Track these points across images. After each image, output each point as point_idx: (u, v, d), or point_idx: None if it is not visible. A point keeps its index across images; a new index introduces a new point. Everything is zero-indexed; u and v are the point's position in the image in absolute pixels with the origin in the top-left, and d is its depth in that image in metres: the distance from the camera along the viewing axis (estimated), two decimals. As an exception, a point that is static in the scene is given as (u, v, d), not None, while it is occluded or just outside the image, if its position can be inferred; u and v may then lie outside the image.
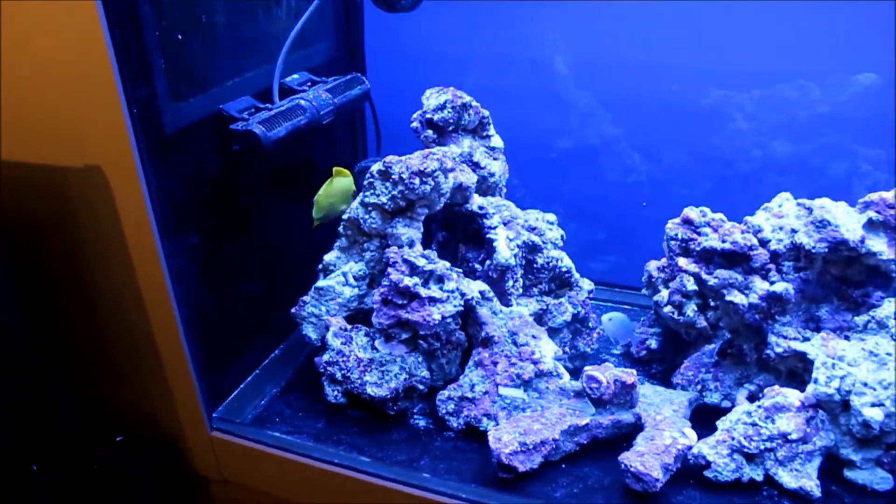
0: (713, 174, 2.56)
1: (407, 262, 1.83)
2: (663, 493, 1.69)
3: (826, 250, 1.72)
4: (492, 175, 2.07)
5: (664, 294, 2.06)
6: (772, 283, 1.80)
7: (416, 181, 1.81)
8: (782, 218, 1.84)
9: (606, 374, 1.82)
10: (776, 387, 1.75)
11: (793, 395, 1.72)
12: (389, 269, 1.83)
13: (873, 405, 1.63)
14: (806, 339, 1.80)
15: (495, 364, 1.87)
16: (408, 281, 1.80)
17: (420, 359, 1.90)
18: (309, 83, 2.03)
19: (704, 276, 1.85)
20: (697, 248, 1.86)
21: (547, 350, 1.89)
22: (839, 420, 1.69)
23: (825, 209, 1.75)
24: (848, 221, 1.74)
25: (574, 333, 2.09)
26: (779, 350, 1.80)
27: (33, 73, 1.64)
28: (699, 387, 1.96)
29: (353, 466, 1.77)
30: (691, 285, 1.99)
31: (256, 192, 2.02)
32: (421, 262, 1.83)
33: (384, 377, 1.88)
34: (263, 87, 1.91)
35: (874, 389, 1.63)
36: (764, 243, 1.83)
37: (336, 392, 1.93)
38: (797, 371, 1.81)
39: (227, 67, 1.82)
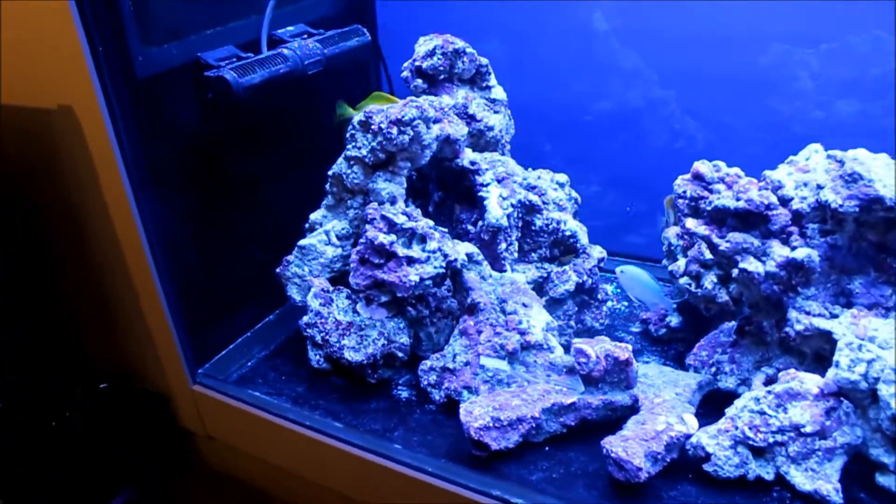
0: (768, 138, 2.26)
1: (385, 219, 1.69)
2: (653, 487, 1.47)
3: (857, 210, 1.44)
4: (490, 129, 1.88)
5: (681, 263, 1.81)
6: (793, 248, 1.54)
7: (394, 130, 1.65)
8: (808, 173, 1.56)
9: (597, 347, 1.61)
10: (792, 370, 1.49)
11: (810, 381, 1.45)
12: (367, 227, 1.69)
13: (905, 395, 1.36)
14: (834, 316, 1.52)
15: (479, 333, 1.69)
16: (383, 238, 1.65)
17: (402, 325, 1.75)
18: (305, 35, 1.90)
19: (715, 240, 1.61)
20: (709, 208, 1.62)
21: (538, 320, 1.69)
22: (868, 414, 1.41)
23: (858, 161, 1.46)
24: (886, 176, 1.45)
25: (580, 306, 1.87)
26: (799, 328, 1.53)
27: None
28: (713, 369, 1.70)
29: (324, 431, 1.67)
30: (710, 253, 1.75)
31: (246, 145, 1.92)
32: (400, 220, 1.68)
33: (362, 342, 1.74)
34: (251, 39, 1.80)
35: (907, 377, 1.36)
36: (785, 202, 1.56)
37: (318, 357, 1.81)
38: (824, 354, 1.52)
39: (206, 15, 1.72)
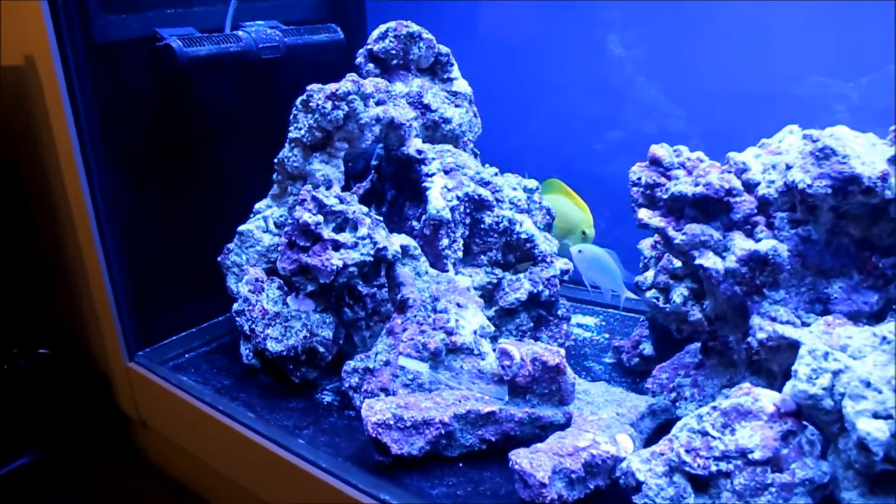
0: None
1: (315, 201, 1.52)
2: None
3: (829, 191, 1.14)
4: (447, 121, 1.69)
5: (649, 275, 1.54)
6: (757, 240, 1.25)
7: (328, 105, 1.50)
8: (780, 155, 1.29)
9: (524, 349, 1.36)
10: (747, 384, 1.18)
11: (766, 398, 1.13)
12: (297, 208, 1.54)
13: (875, 415, 1.02)
14: (806, 325, 1.21)
15: (405, 331, 1.48)
16: (309, 218, 1.49)
17: (328, 319, 1.56)
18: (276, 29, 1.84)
19: (671, 233, 1.33)
20: (665, 196, 1.36)
21: (470, 322, 1.45)
22: (838, 445, 1.08)
23: (834, 136, 1.18)
24: (866, 153, 1.16)
25: (536, 322, 1.61)
26: (762, 336, 1.21)
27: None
28: (673, 395, 1.40)
29: (235, 417, 1.54)
30: (668, 250, 1.47)
31: (205, 130, 1.85)
32: (331, 202, 1.51)
33: (286, 333, 1.56)
34: (217, 28, 1.74)
35: (879, 392, 1.02)
36: (751, 187, 1.28)
37: (248, 351, 1.64)
38: (794, 371, 1.21)
39: (169, -5, 1.70)
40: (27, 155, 1.88)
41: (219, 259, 1.71)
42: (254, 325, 1.58)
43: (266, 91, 1.85)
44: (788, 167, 1.23)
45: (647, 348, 1.61)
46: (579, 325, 1.87)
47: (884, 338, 1.07)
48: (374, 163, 1.76)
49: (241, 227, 1.67)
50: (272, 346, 1.55)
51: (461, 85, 1.79)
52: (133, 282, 1.78)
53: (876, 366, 1.05)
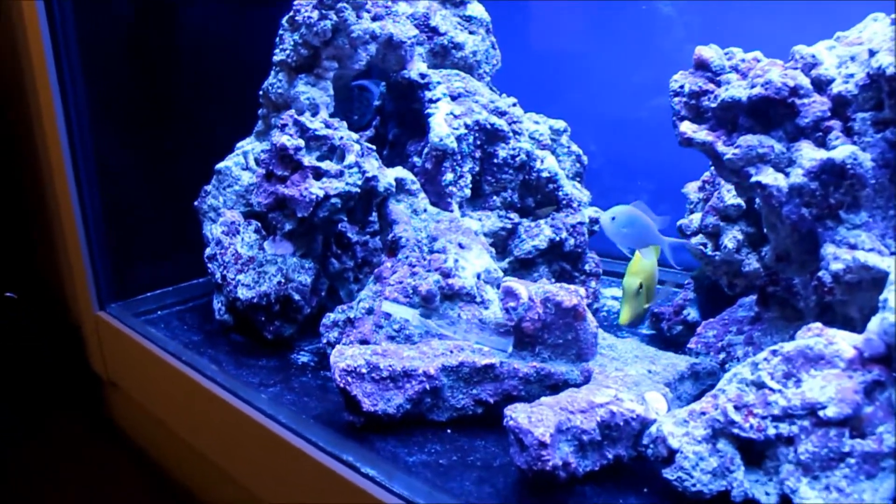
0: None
1: (298, 125, 1.31)
2: (577, 495, 0.93)
3: (931, 76, 0.89)
4: (458, 47, 1.47)
5: (695, 217, 1.28)
6: (831, 148, 0.99)
7: (315, 15, 1.31)
8: (860, 45, 1.03)
9: (533, 287, 1.11)
10: (817, 325, 0.91)
11: (843, 340, 0.87)
12: (275, 133, 1.34)
13: None
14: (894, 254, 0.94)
15: (394, 274, 1.25)
16: (288, 142, 1.29)
17: (308, 264, 1.33)
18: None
19: (720, 149, 1.08)
20: (714, 105, 1.10)
21: (472, 264, 1.21)
22: (947, 399, 0.81)
23: (936, 12, 0.94)
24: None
25: (558, 277, 1.36)
26: (837, 268, 0.94)
27: None
28: (722, 356, 1.13)
29: (195, 367, 1.37)
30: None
31: (191, 68, 1.70)
32: (315, 125, 1.30)
33: (259, 279, 1.35)
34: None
35: None
36: (822, 85, 1.02)
37: (220, 305, 1.45)
38: (882, 315, 0.94)
39: None
40: (13, 94, 1.76)
41: (195, 203, 1.52)
42: (225, 272, 1.38)
43: (259, 23, 1.67)
44: (872, 53, 0.97)
45: (692, 313, 1.34)
46: (614, 298, 1.61)
47: None
48: (376, 103, 1.56)
49: (219, 165, 1.48)
50: (243, 293, 1.34)
51: (476, 9, 1.57)
52: (109, 228, 1.66)
53: None
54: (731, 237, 1.19)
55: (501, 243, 1.35)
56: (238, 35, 1.70)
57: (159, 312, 1.69)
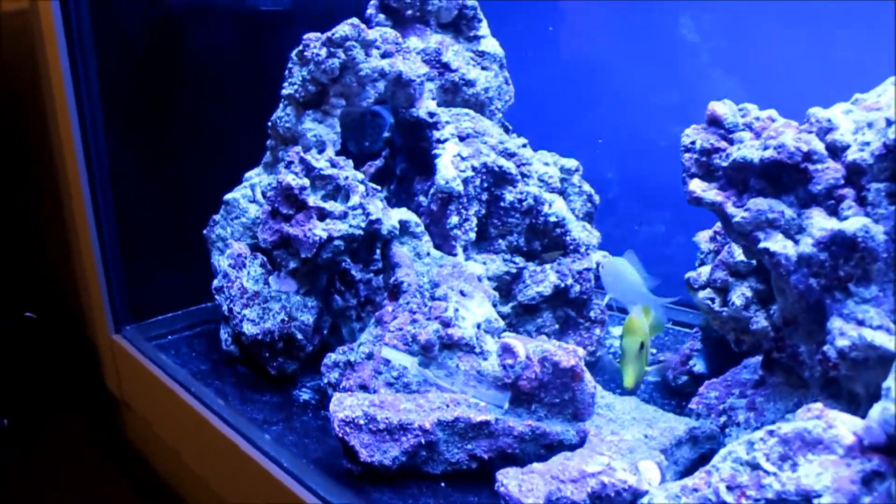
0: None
1: (303, 163, 1.30)
2: None
3: (947, 152, 0.86)
4: (469, 84, 1.45)
5: (704, 270, 1.24)
6: (843, 218, 0.96)
7: (323, 52, 1.29)
8: (878, 111, 0.99)
9: (531, 345, 1.09)
10: (817, 405, 0.88)
11: (843, 423, 0.84)
12: (281, 170, 1.33)
13: None
14: (904, 332, 0.90)
15: (395, 319, 1.23)
16: (293, 180, 1.27)
17: (311, 303, 1.33)
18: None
19: (730, 210, 1.05)
20: (725, 164, 1.07)
21: (473, 313, 1.19)
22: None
23: (956, 83, 0.89)
24: None
25: (562, 324, 1.34)
26: (842, 344, 0.91)
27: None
28: (723, 419, 1.10)
29: (203, 400, 1.37)
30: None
31: (210, 90, 1.70)
32: (320, 165, 1.29)
33: (263, 316, 1.35)
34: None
35: None
36: (837, 151, 0.99)
37: (227, 335, 1.45)
38: (887, 395, 0.90)
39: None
40: (32, 108, 1.79)
41: (204, 232, 1.52)
42: (232, 305, 1.38)
43: (270, 48, 1.67)
44: (890, 123, 0.93)
45: (699, 365, 1.31)
46: (621, 338, 1.59)
47: None
48: (386, 135, 1.54)
49: (228, 196, 1.47)
50: (248, 328, 1.34)
51: (490, 44, 1.54)
52: (126, 252, 1.68)
53: None
54: (740, 294, 1.16)
55: (505, 287, 1.33)
56: (252, 58, 1.69)
57: (170, 337, 1.69)
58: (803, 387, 1.04)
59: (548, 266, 1.32)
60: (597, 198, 1.48)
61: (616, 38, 2.04)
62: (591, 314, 1.34)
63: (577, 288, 1.31)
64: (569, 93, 2.12)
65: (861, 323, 0.92)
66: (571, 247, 1.33)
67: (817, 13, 1.65)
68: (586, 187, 1.46)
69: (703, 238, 1.32)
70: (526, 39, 2.09)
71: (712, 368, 1.30)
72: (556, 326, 1.33)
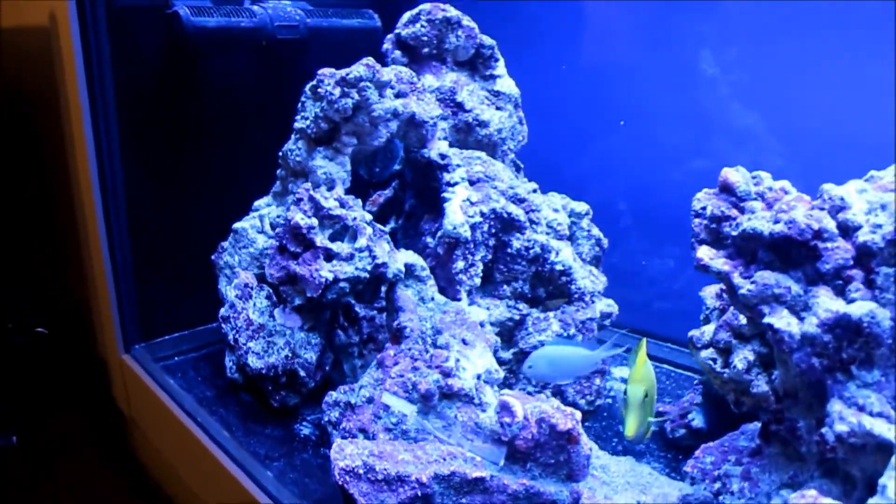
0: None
1: (312, 201, 1.30)
2: None
3: (958, 246, 0.84)
4: (483, 125, 1.43)
5: (707, 329, 1.23)
6: (849, 301, 0.94)
7: (337, 92, 1.28)
8: (892, 192, 0.97)
9: (529, 405, 1.08)
10: (811, 492, 0.87)
11: (839, 516, 0.83)
12: (291, 208, 1.33)
13: None
14: (905, 422, 0.89)
15: (396, 364, 1.23)
16: (301, 220, 1.26)
17: (314, 340, 1.32)
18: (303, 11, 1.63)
19: (737, 281, 1.03)
20: (734, 233, 1.06)
21: (474, 363, 1.18)
22: None
23: (972, 174, 0.87)
24: None
25: (564, 371, 1.33)
26: (841, 429, 0.90)
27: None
28: (717, 485, 1.09)
29: (209, 432, 1.38)
30: (732, 301, 1.16)
31: (224, 113, 1.69)
32: (329, 204, 1.28)
33: (268, 349, 1.35)
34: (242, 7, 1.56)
35: None
36: (848, 231, 0.97)
37: (232, 364, 1.45)
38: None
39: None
40: (48, 126, 1.79)
41: (212, 257, 1.52)
42: (237, 336, 1.38)
43: (285, 76, 1.65)
44: (903, 209, 0.92)
45: (697, 419, 1.30)
46: (623, 381, 1.57)
47: None
48: (396, 167, 1.53)
49: (236, 225, 1.47)
50: (253, 361, 1.34)
51: (506, 84, 1.53)
52: (138, 274, 1.67)
53: None
54: (742, 357, 1.14)
55: (508, 333, 1.32)
56: (267, 85, 1.68)
57: (177, 358, 1.69)
58: (800, 460, 1.02)
59: (551, 314, 1.31)
60: (605, 241, 1.46)
61: (633, 72, 2.01)
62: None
63: (580, 338, 1.30)
64: (584, 123, 2.10)
65: (861, 408, 0.91)
66: (576, 295, 1.32)
67: (837, 44, 1.62)
68: (595, 231, 1.44)
69: (708, 294, 1.30)
70: (542, 74, 2.08)
71: (711, 424, 1.29)
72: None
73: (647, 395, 1.20)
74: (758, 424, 1.12)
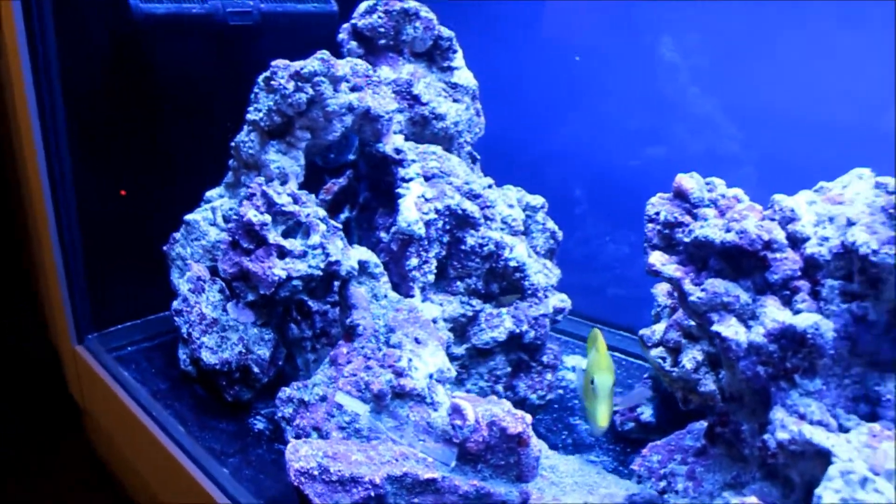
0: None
1: (265, 197, 1.25)
2: None
3: (901, 263, 0.84)
4: (439, 118, 1.40)
5: (658, 328, 1.23)
6: (796, 311, 0.94)
7: (290, 86, 1.23)
8: (841, 205, 0.97)
9: (481, 408, 1.07)
10: (751, 499, 0.88)
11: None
12: (244, 203, 1.28)
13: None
14: (844, 431, 0.90)
15: (349, 363, 1.21)
16: (254, 216, 1.22)
17: (267, 336, 1.29)
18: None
19: (687, 287, 1.03)
20: (687, 239, 1.05)
21: (426, 363, 1.17)
22: None
23: (916, 190, 0.87)
24: (957, 215, 0.84)
25: (514, 367, 1.32)
26: (783, 437, 0.91)
27: None
28: (663, 483, 1.10)
29: (167, 430, 1.34)
30: (683, 306, 1.16)
31: (175, 100, 1.61)
32: (282, 200, 1.24)
33: (221, 344, 1.31)
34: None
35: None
36: (797, 242, 0.97)
37: (185, 356, 1.41)
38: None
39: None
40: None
41: (164, 248, 1.47)
42: (191, 329, 1.34)
43: (239, 64, 1.58)
44: (850, 223, 0.91)
45: (647, 413, 1.31)
46: (574, 370, 1.57)
47: (952, 472, 0.76)
48: (351, 157, 1.49)
49: (188, 216, 1.42)
50: (206, 356, 1.31)
51: (463, 76, 1.48)
52: (89, 264, 1.60)
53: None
54: (691, 357, 1.15)
55: (461, 329, 1.30)
56: (219, 73, 1.61)
57: (130, 349, 1.63)
58: (743, 461, 1.03)
59: (504, 310, 1.30)
60: (560, 234, 1.44)
61: (593, 56, 1.98)
62: (544, 359, 1.32)
63: (532, 334, 1.29)
64: (540, 108, 2.07)
65: (802, 417, 0.91)
66: (529, 291, 1.30)
67: (795, 30, 1.61)
68: (550, 224, 1.42)
69: (660, 291, 1.30)
70: (502, 57, 2.03)
71: (659, 418, 1.30)
72: (509, 369, 1.31)
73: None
74: (704, 424, 1.13)
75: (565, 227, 1.61)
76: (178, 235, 1.45)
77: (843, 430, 0.90)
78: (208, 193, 1.47)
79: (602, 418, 1.10)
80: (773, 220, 1.00)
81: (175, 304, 1.39)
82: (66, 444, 1.89)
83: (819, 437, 0.89)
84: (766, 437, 0.93)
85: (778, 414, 0.93)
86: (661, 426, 1.29)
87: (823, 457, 0.88)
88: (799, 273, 0.96)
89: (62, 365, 1.75)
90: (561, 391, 1.47)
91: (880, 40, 1.47)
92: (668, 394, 1.30)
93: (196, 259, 1.40)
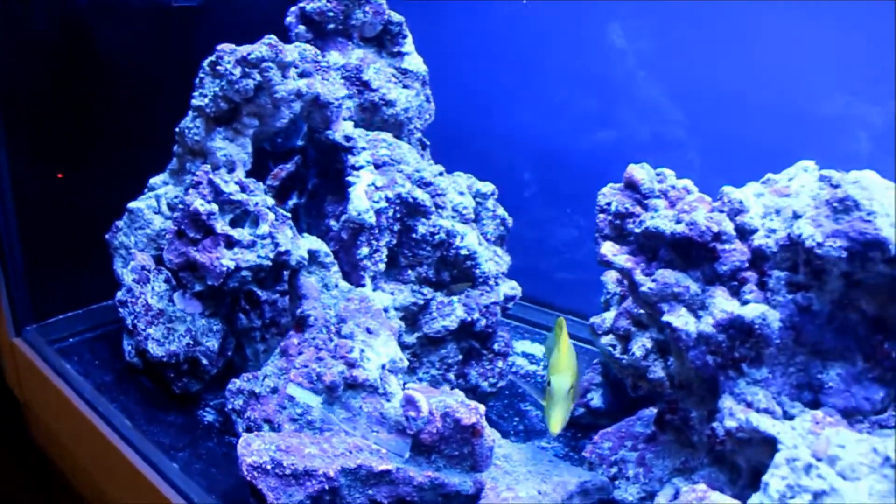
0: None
1: (212, 185, 1.21)
2: None
3: (845, 254, 0.84)
4: (389, 104, 1.37)
5: (608, 316, 1.24)
6: (743, 302, 0.95)
7: (237, 72, 1.19)
8: (787, 197, 0.98)
9: (434, 399, 1.06)
10: (701, 486, 0.89)
11: (726, 509, 0.85)
12: (190, 191, 1.23)
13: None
14: (788, 417, 0.91)
15: (300, 354, 1.18)
16: (201, 205, 1.18)
17: (216, 326, 1.25)
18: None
19: (638, 278, 1.03)
20: (638, 230, 1.05)
21: (378, 353, 1.15)
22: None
23: (860, 185, 0.88)
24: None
25: (466, 355, 1.31)
26: (730, 425, 0.92)
27: None
28: (614, 470, 1.11)
29: (113, 424, 1.29)
30: (633, 296, 1.16)
31: (115, 83, 1.54)
32: (230, 188, 1.20)
33: (168, 336, 1.27)
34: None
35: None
36: (745, 234, 0.98)
37: (130, 348, 1.35)
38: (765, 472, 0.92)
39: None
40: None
41: (106, 237, 1.40)
42: (136, 321, 1.29)
43: (183, 46, 1.51)
44: (796, 215, 0.92)
45: (596, 399, 1.31)
46: (525, 355, 1.57)
47: (887, 458, 0.77)
48: (299, 143, 1.44)
49: (132, 205, 1.36)
50: (153, 348, 1.26)
51: (413, 62, 1.45)
52: (27, 253, 1.52)
53: (871, 496, 0.76)
54: (640, 345, 1.15)
55: (412, 317, 1.28)
56: (162, 56, 1.54)
57: (72, 340, 1.55)
58: (692, 447, 1.04)
59: (455, 298, 1.28)
60: (510, 221, 1.43)
61: (539, 39, 1.96)
62: (496, 347, 1.31)
63: (483, 322, 1.28)
64: (490, 92, 2.04)
65: (749, 405, 0.92)
66: (480, 279, 1.29)
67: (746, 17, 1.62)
68: (500, 211, 1.41)
69: (609, 279, 1.30)
70: (447, 38, 2.00)
71: (609, 404, 1.31)
72: (460, 357, 1.30)
73: (571, 387, 1.09)
74: (654, 410, 1.14)
75: (514, 210, 1.59)
76: (120, 224, 1.38)
77: (788, 417, 0.91)
78: (152, 180, 1.40)
79: (554, 423, 1.05)
80: (721, 211, 1.00)
81: (119, 294, 1.33)
82: (5, 437, 1.80)
83: (765, 424, 0.90)
84: (714, 424, 0.94)
85: (726, 402, 0.94)
86: (610, 412, 1.30)
87: (769, 443, 0.89)
88: (747, 264, 0.97)
89: (1, 357, 1.67)
90: (512, 375, 1.47)
91: (824, 23, 1.50)
92: (617, 380, 1.30)
93: (140, 248, 1.34)
